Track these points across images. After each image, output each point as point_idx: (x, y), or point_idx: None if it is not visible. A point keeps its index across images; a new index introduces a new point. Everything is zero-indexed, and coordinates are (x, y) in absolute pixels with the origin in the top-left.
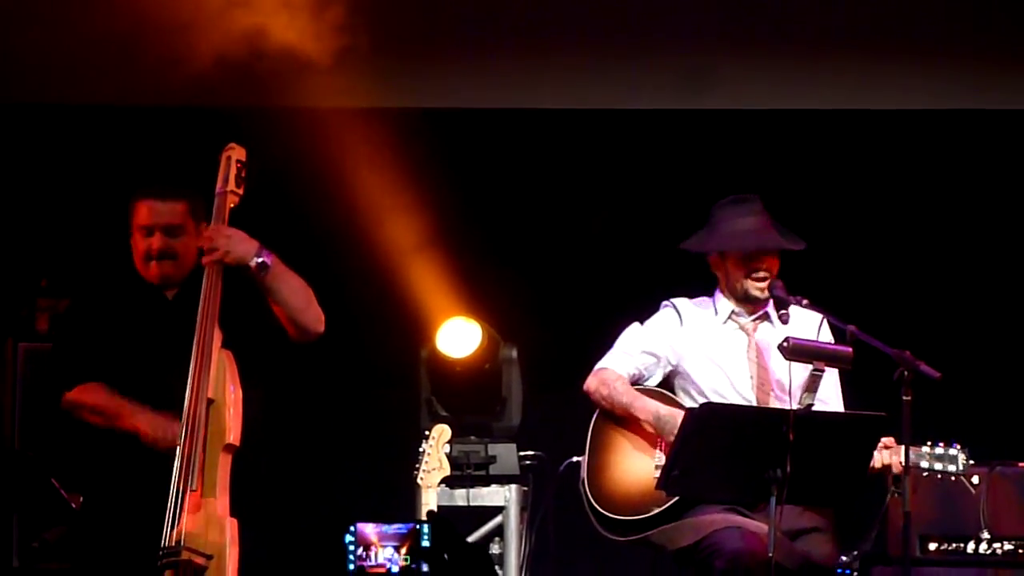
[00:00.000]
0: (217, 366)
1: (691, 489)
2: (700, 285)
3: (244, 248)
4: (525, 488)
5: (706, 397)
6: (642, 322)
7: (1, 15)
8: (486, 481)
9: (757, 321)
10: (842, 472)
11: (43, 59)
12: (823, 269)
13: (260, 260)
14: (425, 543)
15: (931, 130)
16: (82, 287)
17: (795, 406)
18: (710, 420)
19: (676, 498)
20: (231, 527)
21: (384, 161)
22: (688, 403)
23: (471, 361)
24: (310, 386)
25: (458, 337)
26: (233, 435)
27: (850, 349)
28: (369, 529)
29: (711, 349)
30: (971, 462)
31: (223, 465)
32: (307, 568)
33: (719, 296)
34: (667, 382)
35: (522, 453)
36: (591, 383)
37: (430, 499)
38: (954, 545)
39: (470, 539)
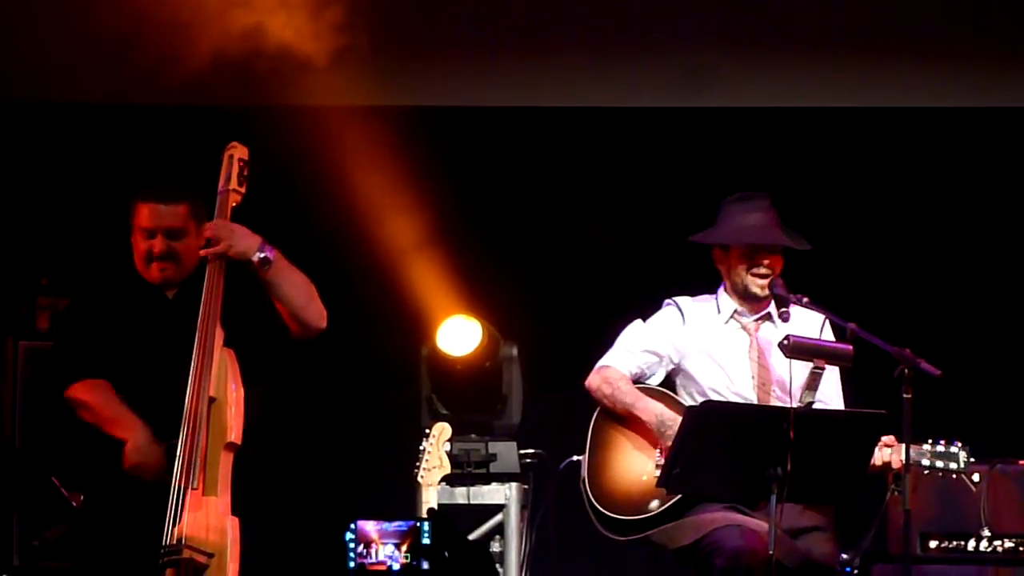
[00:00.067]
0: (219, 364)
1: (692, 487)
2: (701, 284)
3: (247, 242)
4: (525, 486)
5: (706, 396)
6: (643, 320)
7: (1, 15)
8: (486, 479)
9: (759, 321)
10: (842, 470)
11: (43, 58)
12: (823, 267)
13: (263, 255)
14: (425, 541)
15: (931, 128)
16: (82, 285)
17: (795, 404)
18: (710, 418)
19: (677, 497)
20: (232, 525)
21: (384, 160)
22: (690, 402)
23: (471, 359)
24: (311, 384)
25: (458, 335)
26: (235, 433)
27: (850, 347)
28: (370, 526)
29: (713, 348)
30: (972, 460)
31: (224, 463)
32: (308, 566)
33: (722, 294)
34: (669, 380)
35: (522, 451)
36: (593, 381)
37: (430, 497)
38: (955, 543)
39: (470, 537)
